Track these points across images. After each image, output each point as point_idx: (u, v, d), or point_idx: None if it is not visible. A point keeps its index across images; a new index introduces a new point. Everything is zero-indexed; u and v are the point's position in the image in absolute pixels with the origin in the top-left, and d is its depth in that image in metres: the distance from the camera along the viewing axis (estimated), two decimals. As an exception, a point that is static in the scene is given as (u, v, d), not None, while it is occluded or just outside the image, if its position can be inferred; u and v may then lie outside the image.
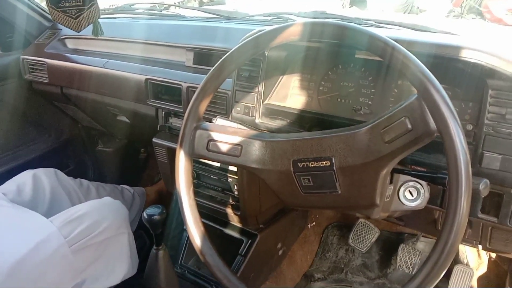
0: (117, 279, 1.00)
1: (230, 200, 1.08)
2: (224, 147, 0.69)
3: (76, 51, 1.33)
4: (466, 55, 0.70)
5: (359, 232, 1.37)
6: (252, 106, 0.89)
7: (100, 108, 1.32)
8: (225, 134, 0.69)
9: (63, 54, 1.31)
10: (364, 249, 1.36)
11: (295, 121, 0.88)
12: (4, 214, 1.00)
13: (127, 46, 1.24)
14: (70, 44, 1.36)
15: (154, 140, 1.13)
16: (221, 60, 0.68)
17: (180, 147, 0.70)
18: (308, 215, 1.49)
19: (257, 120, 0.89)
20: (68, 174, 1.30)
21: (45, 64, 1.31)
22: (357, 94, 0.87)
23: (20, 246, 0.88)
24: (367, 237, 1.36)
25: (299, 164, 0.66)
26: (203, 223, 0.72)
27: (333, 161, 0.64)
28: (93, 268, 0.96)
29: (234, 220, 1.11)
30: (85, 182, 1.35)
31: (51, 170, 1.25)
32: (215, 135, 0.69)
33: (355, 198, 0.66)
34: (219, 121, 0.83)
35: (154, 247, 0.97)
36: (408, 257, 1.28)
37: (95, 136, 1.67)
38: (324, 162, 0.65)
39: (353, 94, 0.88)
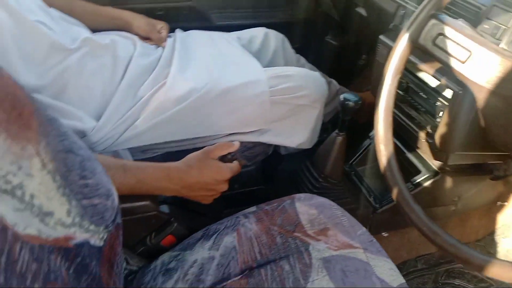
0: (294, 143, 1.07)
1: (428, 128, 1.02)
2: (451, 47, 0.63)
3: None
4: None
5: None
6: (504, 28, 0.77)
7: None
8: (460, 34, 0.63)
9: None
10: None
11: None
12: (234, 50, 1.15)
13: None
14: None
15: (380, 37, 1.10)
16: None
17: (406, 30, 0.67)
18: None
19: (502, 45, 0.78)
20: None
21: None
22: None
23: (234, 78, 1.02)
24: None
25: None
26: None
27: None
28: (280, 123, 1.05)
29: (422, 148, 1.05)
30: (302, 59, 1.43)
31: (281, 35, 1.35)
32: (448, 31, 0.63)
33: None
34: (461, 21, 0.75)
35: (336, 131, 1.00)
36: None
37: (328, 24, 1.70)
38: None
39: None
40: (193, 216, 0.88)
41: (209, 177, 0.79)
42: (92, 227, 0.55)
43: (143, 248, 0.80)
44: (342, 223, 0.78)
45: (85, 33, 1.00)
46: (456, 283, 1.22)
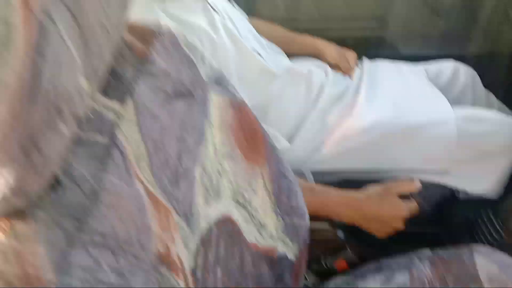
0: (477, 190, 1.02)
1: None
2: None
3: None
4: None
5: None
6: None
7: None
8: None
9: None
10: None
11: None
12: (422, 85, 1.15)
13: None
14: None
15: None
16: None
17: None
18: None
19: None
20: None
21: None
22: None
23: (421, 115, 1.02)
24: None
25: None
26: None
27: None
28: (465, 167, 1.01)
29: None
30: (492, 96, 1.34)
31: (472, 72, 1.29)
32: None
33: None
34: None
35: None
36: None
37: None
38: None
39: None
40: (364, 246, 0.92)
41: (386, 212, 0.83)
42: (290, 243, 0.63)
43: (317, 267, 0.87)
44: (526, 287, 0.73)
45: (286, 61, 1.12)
46: None
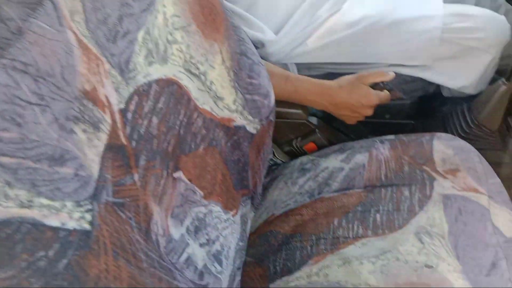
0: (456, 85, 1.04)
1: None
2: None
3: None
4: None
5: None
6: None
7: None
8: None
9: None
10: None
11: None
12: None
13: None
14: None
15: None
16: None
17: None
18: None
19: None
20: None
21: None
22: None
23: (409, 10, 1.02)
24: None
25: None
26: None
27: None
28: (446, 63, 1.03)
29: None
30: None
31: None
32: None
33: None
34: None
35: (503, 79, 0.95)
36: None
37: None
38: None
39: None
40: (335, 133, 0.99)
41: (355, 100, 0.88)
42: (249, 117, 0.70)
43: (289, 149, 0.96)
44: (476, 168, 0.80)
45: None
46: None
